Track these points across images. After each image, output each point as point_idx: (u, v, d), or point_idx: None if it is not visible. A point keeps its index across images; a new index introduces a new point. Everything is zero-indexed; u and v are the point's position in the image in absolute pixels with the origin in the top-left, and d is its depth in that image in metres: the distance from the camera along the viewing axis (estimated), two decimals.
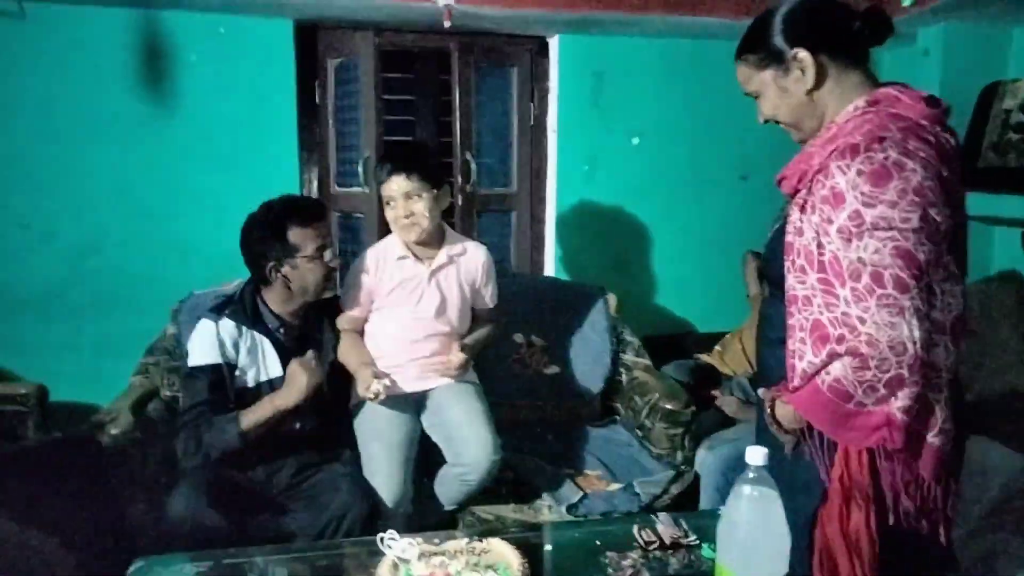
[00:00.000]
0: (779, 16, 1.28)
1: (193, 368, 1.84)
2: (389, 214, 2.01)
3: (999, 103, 2.38)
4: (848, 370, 1.19)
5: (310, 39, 2.70)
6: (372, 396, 1.87)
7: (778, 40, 1.27)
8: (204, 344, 1.84)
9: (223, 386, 1.83)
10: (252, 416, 1.80)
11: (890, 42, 1.31)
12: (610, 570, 1.46)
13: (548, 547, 1.54)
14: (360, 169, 2.69)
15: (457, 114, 2.77)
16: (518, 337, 2.55)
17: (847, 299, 1.18)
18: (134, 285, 2.58)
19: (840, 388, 1.21)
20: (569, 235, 2.96)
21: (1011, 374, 1.80)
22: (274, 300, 1.94)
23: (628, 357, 2.59)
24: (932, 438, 1.23)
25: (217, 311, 1.89)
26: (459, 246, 2.10)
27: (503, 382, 2.43)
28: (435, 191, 1.99)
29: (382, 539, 1.32)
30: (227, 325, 1.87)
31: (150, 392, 2.22)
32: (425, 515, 1.99)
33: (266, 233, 1.87)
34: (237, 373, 1.87)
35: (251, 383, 1.89)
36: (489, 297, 2.17)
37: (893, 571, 1.25)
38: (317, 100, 2.74)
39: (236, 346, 1.87)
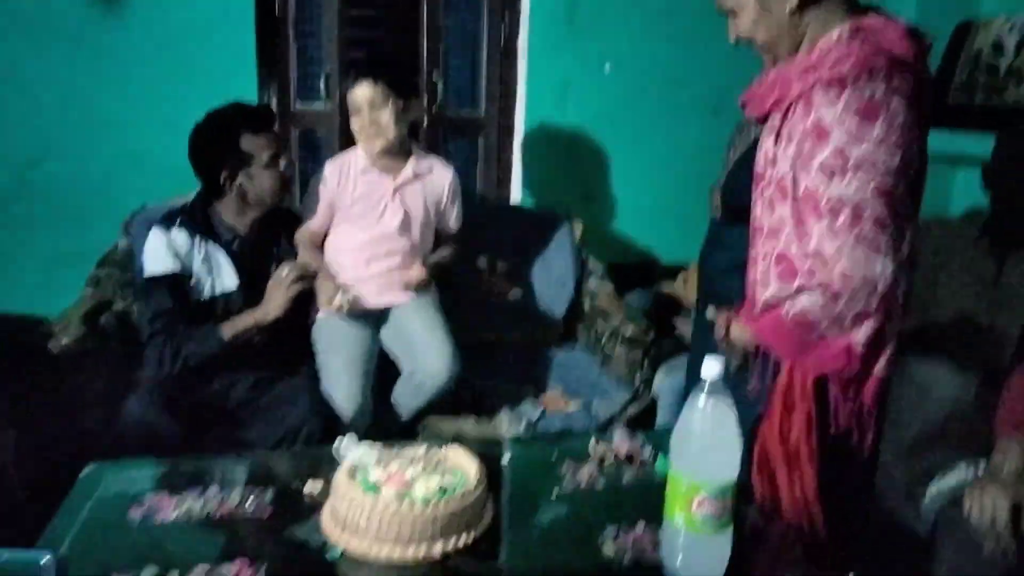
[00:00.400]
0: None
1: (151, 277, 1.81)
2: (354, 123, 1.96)
3: (971, 42, 2.38)
4: (817, 303, 1.20)
5: None
6: (335, 309, 1.85)
7: None
8: (159, 253, 1.80)
9: (184, 295, 1.81)
10: (232, 328, 1.81)
11: None
12: (566, 480, 1.49)
13: (505, 459, 1.56)
14: (322, 84, 2.60)
15: (424, 31, 2.68)
16: (482, 262, 2.54)
17: (822, 234, 1.18)
18: (84, 196, 2.48)
19: (805, 320, 1.22)
20: (537, 161, 2.92)
21: (964, 301, 1.85)
22: (227, 211, 1.89)
23: (592, 283, 2.60)
24: (879, 367, 1.27)
25: (167, 221, 1.83)
26: (426, 163, 2.06)
27: (466, 306, 2.43)
28: (402, 101, 1.93)
29: (337, 448, 1.32)
30: (179, 235, 1.82)
31: (102, 303, 2.16)
32: (384, 430, 1.99)
33: (218, 142, 1.81)
34: (193, 283, 1.83)
35: (206, 294, 1.86)
36: (454, 219, 2.15)
37: (827, 481, 1.30)
38: (277, 12, 2.62)
39: (190, 256, 1.83)
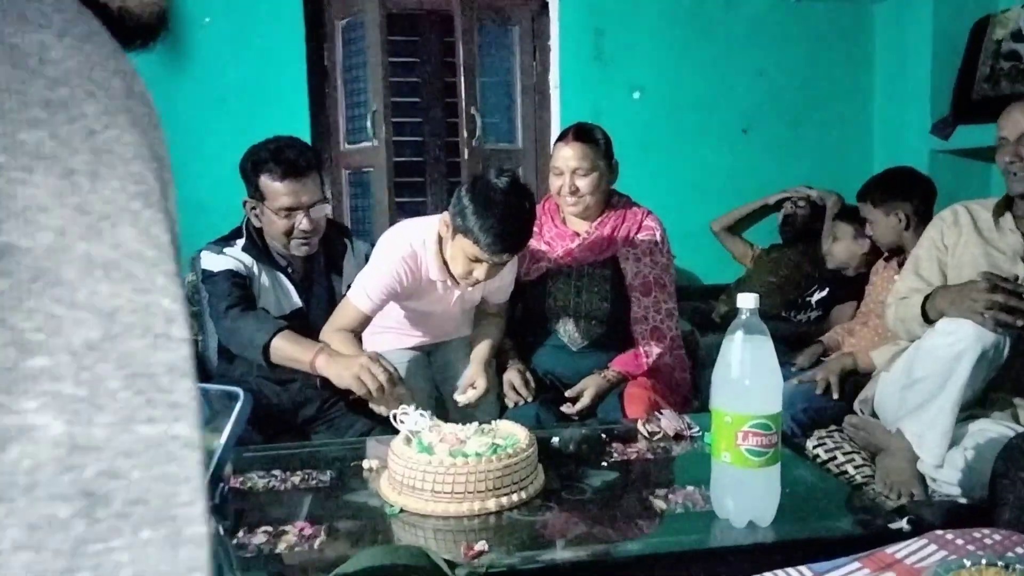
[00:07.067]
0: None
1: (213, 273, 1.83)
2: (463, 267, 1.74)
3: (990, 34, 2.43)
4: None
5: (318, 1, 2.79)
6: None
7: None
8: (217, 259, 1.84)
9: (247, 288, 1.82)
10: (284, 349, 1.71)
11: None
12: (616, 453, 1.51)
13: (555, 440, 1.59)
14: (369, 123, 2.76)
15: (461, 72, 2.84)
16: None
17: None
18: None
19: None
20: None
21: None
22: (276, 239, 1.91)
23: None
24: None
25: (222, 242, 1.89)
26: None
27: None
28: None
29: (395, 416, 1.38)
30: (240, 254, 1.85)
31: None
32: None
33: (246, 168, 1.84)
34: (258, 297, 1.85)
35: (274, 312, 1.86)
36: (505, 293, 2.07)
37: None
38: (325, 61, 2.83)
39: (251, 272, 1.86)
